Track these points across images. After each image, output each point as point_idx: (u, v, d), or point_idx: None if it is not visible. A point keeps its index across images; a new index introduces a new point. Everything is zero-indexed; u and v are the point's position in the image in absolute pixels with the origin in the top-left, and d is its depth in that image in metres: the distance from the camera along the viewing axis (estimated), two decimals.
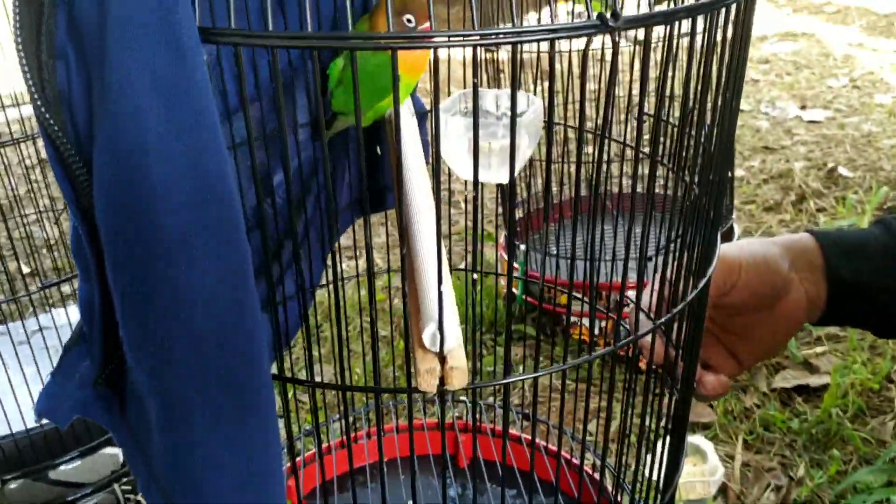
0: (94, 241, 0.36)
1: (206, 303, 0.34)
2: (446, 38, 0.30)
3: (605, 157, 0.38)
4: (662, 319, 0.44)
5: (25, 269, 1.72)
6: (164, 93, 0.31)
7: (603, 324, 1.31)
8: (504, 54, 1.43)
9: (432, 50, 0.40)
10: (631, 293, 0.49)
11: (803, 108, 2.64)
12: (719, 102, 0.42)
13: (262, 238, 0.41)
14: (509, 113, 0.71)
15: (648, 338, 0.50)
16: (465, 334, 0.42)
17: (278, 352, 0.44)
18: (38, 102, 0.33)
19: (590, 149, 1.78)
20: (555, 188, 1.60)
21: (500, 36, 0.30)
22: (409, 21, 0.61)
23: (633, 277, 0.46)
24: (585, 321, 1.37)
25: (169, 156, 0.31)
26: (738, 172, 2.17)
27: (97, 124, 0.33)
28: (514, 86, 0.33)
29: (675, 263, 0.46)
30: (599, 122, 0.39)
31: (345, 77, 0.64)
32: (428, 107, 0.75)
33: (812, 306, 0.66)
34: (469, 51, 0.35)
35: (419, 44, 0.31)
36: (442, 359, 0.37)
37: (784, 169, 2.16)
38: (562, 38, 0.31)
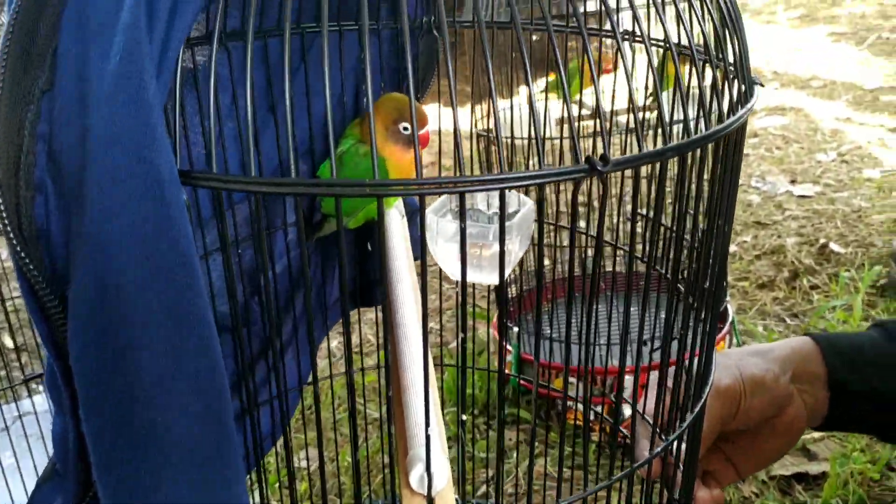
0: (68, 378, 0.34)
1: (184, 446, 0.33)
2: (436, 185, 0.30)
3: (599, 260, 0.38)
4: (659, 449, 0.42)
5: (9, 343, 1.70)
6: (143, 236, 0.30)
7: (599, 408, 1.29)
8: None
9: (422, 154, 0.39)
10: (629, 385, 0.48)
11: (793, 182, 2.66)
12: (712, 226, 0.41)
13: (238, 348, 0.40)
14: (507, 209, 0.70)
15: (646, 449, 0.49)
16: (452, 417, 0.40)
17: (259, 458, 0.42)
18: (14, 241, 0.32)
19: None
20: (547, 262, 1.59)
21: (487, 183, 0.30)
22: (405, 129, 0.61)
23: (629, 362, 0.45)
24: (581, 405, 1.34)
25: (147, 300, 0.30)
26: (731, 248, 2.17)
27: (74, 263, 0.32)
28: (503, 228, 0.32)
29: (675, 371, 0.46)
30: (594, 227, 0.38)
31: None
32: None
33: (813, 415, 0.66)
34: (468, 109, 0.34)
35: (403, 192, 0.30)
36: (430, 500, 0.35)
37: (776, 245, 2.16)
38: (549, 182, 0.30)
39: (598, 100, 0.36)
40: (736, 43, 0.44)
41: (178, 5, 0.31)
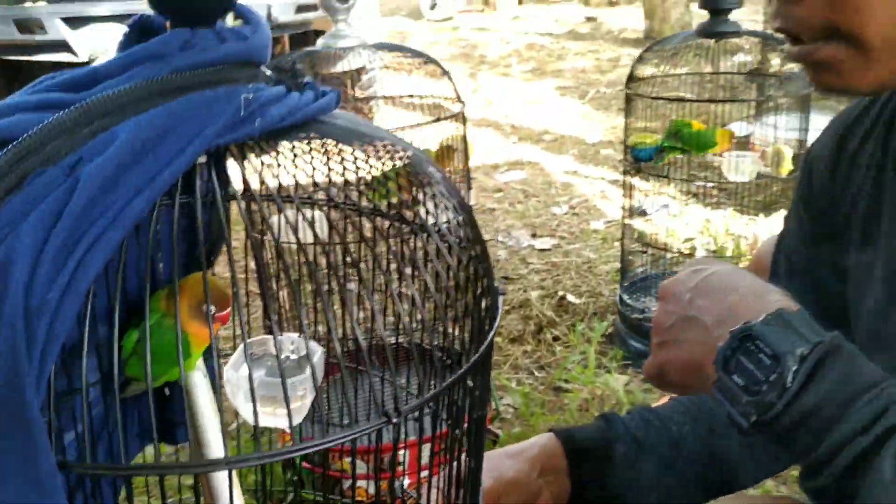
0: None
1: None
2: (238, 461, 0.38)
3: None
4: None
5: None
6: None
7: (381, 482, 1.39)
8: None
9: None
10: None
11: (534, 236, 2.98)
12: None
13: None
14: (296, 355, 0.79)
15: None
16: None
17: None
18: None
19: None
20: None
21: (288, 453, 0.39)
22: (206, 310, 0.68)
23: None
24: (360, 482, 1.44)
25: None
26: (484, 303, 2.39)
27: None
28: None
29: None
30: None
31: (139, 349, 0.69)
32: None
33: (559, 502, 0.82)
34: None
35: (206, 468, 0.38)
36: None
37: (523, 299, 2.42)
38: (345, 442, 0.40)
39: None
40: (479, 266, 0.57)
41: (54, 328, 0.36)
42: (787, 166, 1.85)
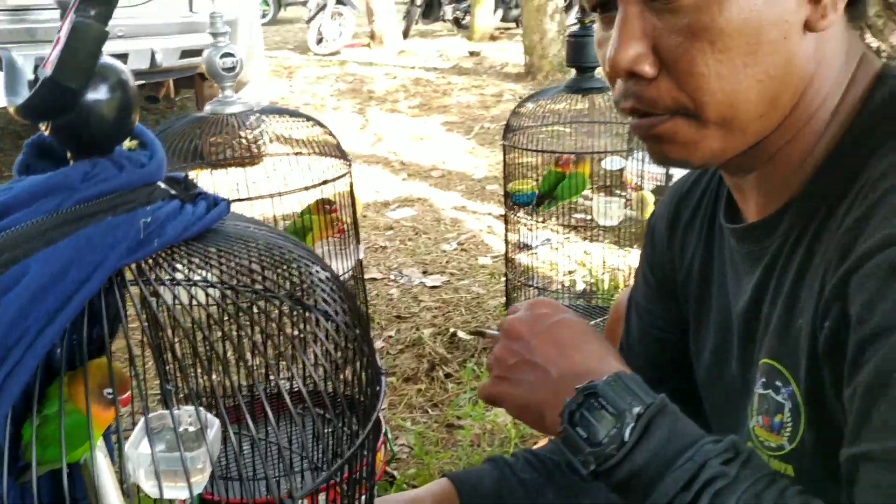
0: None
1: None
2: None
3: None
4: None
5: None
6: None
7: None
8: None
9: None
10: None
11: (425, 273, 3.07)
12: None
13: None
14: (194, 427, 0.84)
15: None
16: None
17: None
18: None
19: None
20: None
21: None
22: (108, 394, 0.72)
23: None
24: None
25: None
26: (378, 344, 2.46)
27: None
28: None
29: None
30: None
31: (40, 433, 0.72)
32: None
33: None
34: None
35: None
36: None
37: (415, 337, 2.49)
38: None
39: None
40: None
41: None
42: (650, 210, 2.00)
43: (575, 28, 1.96)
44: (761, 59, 0.60)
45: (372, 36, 9.31)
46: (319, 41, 8.95)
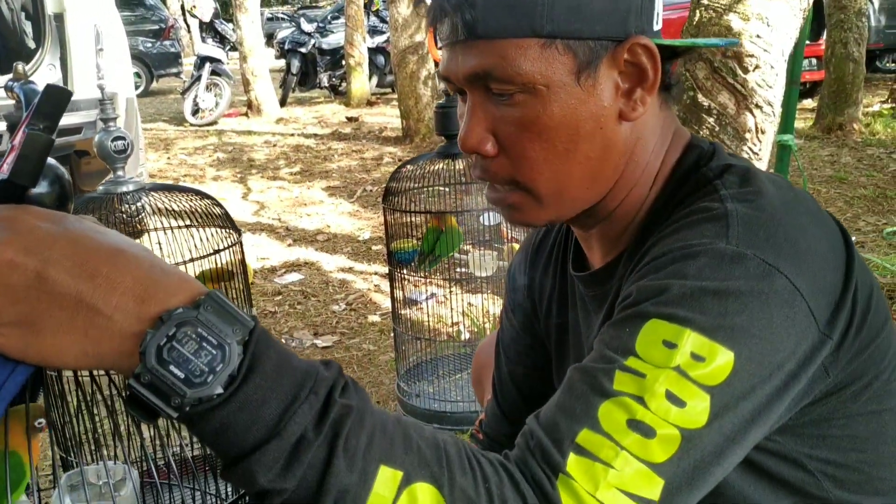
0: None
1: None
2: None
3: None
4: None
5: None
6: None
7: None
8: None
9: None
10: None
11: (316, 334, 3.15)
12: None
13: None
14: (113, 479, 0.92)
15: None
16: None
17: None
18: None
19: None
20: None
21: None
22: (39, 423, 0.80)
23: None
24: None
25: None
26: None
27: None
28: None
29: None
30: None
31: None
32: None
33: None
34: None
35: None
36: None
37: None
38: None
39: None
40: None
41: None
42: None
43: (441, 100, 2.15)
44: (581, 145, 0.73)
45: (249, 105, 9.38)
46: (195, 112, 8.93)
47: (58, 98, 0.58)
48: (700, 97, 2.66)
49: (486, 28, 0.70)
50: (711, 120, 2.66)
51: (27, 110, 0.59)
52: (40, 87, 0.60)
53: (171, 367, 0.49)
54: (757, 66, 2.58)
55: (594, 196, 0.77)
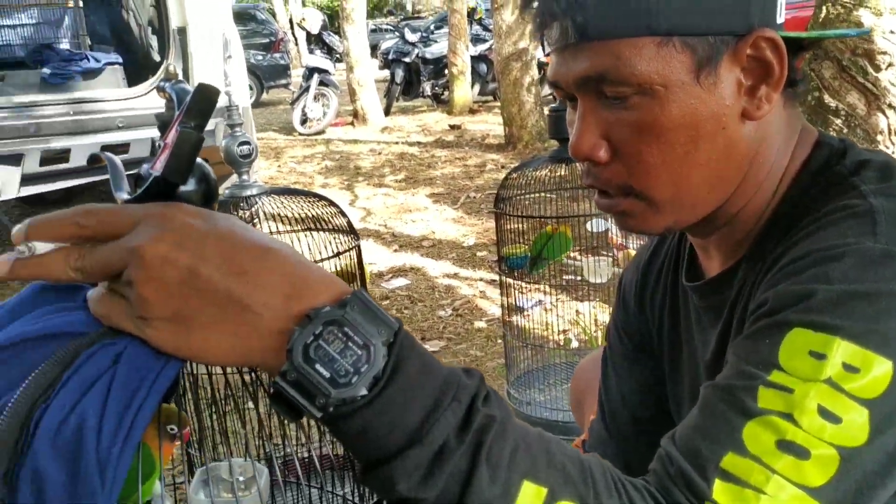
0: None
1: None
2: None
3: None
4: None
5: None
6: None
7: None
8: None
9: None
10: None
11: (423, 339, 3.16)
12: None
13: None
14: (244, 476, 0.93)
15: None
16: None
17: None
18: None
19: None
20: None
21: None
22: (171, 429, 0.82)
23: None
24: None
25: None
26: None
27: None
28: None
29: None
30: None
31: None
32: None
33: None
34: None
35: None
36: None
37: None
38: None
39: None
40: None
41: (117, 475, 0.50)
42: None
43: (554, 103, 2.12)
44: (701, 147, 0.69)
45: (355, 114, 9.59)
46: (304, 121, 9.21)
47: (208, 96, 0.59)
48: (826, 98, 2.53)
49: (599, 29, 0.67)
50: (839, 121, 2.53)
51: (178, 109, 0.60)
52: (187, 87, 0.62)
53: (317, 366, 0.49)
54: (890, 65, 2.43)
55: (715, 201, 0.73)
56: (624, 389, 1.00)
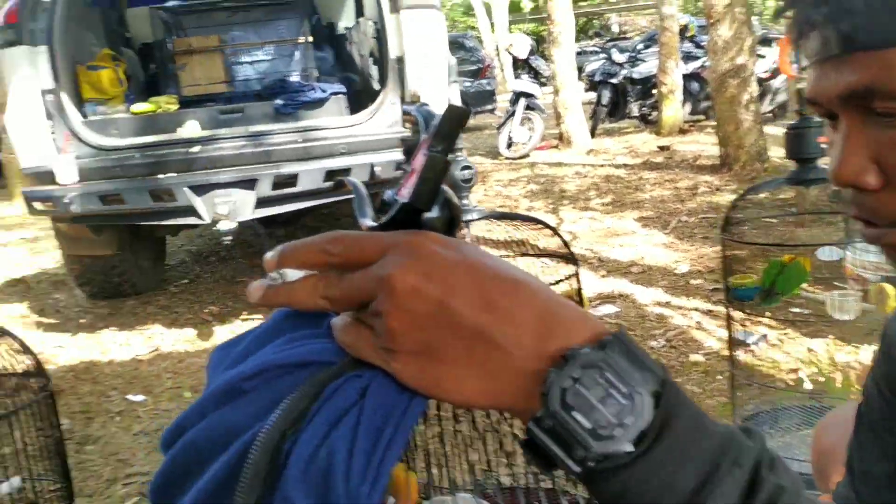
0: None
1: None
2: None
3: None
4: None
5: None
6: None
7: None
8: None
9: None
10: None
11: None
12: None
13: None
14: None
15: None
16: None
17: None
18: None
19: None
20: None
21: None
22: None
23: None
24: None
25: None
26: None
27: None
28: None
29: None
30: None
31: None
32: None
33: None
34: None
35: None
36: None
37: None
38: None
39: None
40: None
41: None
42: (892, 304, 1.88)
43: (792, 121, 1.94)
44: None
45: (560, 137, 9.55)
46: (510, 145, 9.31)
47: (458, 118, 0.56)
48: None
49: (869, 38, 0.58)
50: None
51: (424, 132, 0.57)
52: (434, 109, 0.59)
53: (576, 414, 0.43)
54: None
55: None
56: (884, 454, 0.85)
